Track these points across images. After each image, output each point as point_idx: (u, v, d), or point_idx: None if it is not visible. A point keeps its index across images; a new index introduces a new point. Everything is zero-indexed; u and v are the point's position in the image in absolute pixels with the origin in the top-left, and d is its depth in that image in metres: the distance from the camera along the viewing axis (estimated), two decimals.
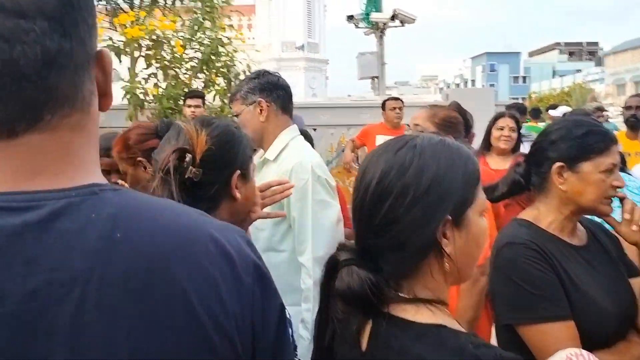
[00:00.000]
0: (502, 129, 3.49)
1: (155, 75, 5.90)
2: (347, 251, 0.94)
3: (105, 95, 0.62)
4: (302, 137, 2.20)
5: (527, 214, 1.56)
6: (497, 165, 3.36)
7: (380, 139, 5.30)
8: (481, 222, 0.94)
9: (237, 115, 2.08)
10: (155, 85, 5.89)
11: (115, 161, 1.96)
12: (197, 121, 1.27)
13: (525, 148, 3.72)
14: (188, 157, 1.16)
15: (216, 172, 1.21)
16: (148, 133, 1.89)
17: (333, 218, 2.00)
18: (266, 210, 1.53)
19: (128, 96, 5.81)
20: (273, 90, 2.06)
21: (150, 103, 5.80)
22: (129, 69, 6.36)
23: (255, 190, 1.37)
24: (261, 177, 2.05)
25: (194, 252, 0.59)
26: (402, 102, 5.72)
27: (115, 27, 6.07)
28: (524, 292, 1.37)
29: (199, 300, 0.56)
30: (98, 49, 0.60)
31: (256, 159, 2.24)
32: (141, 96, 5.75)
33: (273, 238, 2.00)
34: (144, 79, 5.99)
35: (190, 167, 1.15)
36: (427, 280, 0.90)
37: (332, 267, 0.93)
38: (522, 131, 3.72)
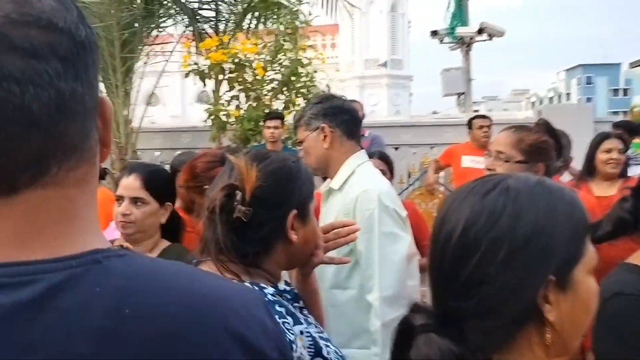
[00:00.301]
0: (609, 152, 3.11)
1: (237, 97, 5.99)
2: (424, 314, 0.79)
3: (106, 146, 0.55)
4: (370, 164, 2.06)
5: (637, 258, 1.32)
6: (602, 192, 3.02)
7: (466, 160, 5.04)
8: (591, 282, 0.79)
9: (301, 142, 1.99)
10: (237, 107, 5.99)
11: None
12: (251, 155, 1.19)
13: (633, 171, 3.34)
14: (237, 194, 1.07)
15: (268, 211, 1.12)
16: (214, 161, 1.85)
17: (403, 252, 1.84)
18: (330, 254, 1.40)
19: (212, 117, 5.95)
20: (337, 115, 1.95)
21: (232, 125, 5.90)
22: (213, 91, 6.53)
23: (316, 232, 1.25)
24: (327, 208, 1.94)
25: (212, 330, 0.50)
26: (490, 120, 5.41)
27: (201, 52, 6.25)
28: (634, 352, 1.16)
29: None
30: (99, 95, 0.55)
31: (322, 188, 2.14)
32: (224, 118, 5.86)
33: (339, 274, 1.87)
34: (226, 101, 6.11)
35: (239, 205, 1.06)
36: (524, 354, 0.76)
37: (405, 333, 0.78)
38: (629, 152, 3.34)
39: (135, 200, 1.83)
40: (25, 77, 0.46)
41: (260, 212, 1.09)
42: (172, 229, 1.93)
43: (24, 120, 0.46)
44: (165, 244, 1.91)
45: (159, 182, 1.90)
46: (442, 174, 5.78)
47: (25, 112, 0.46)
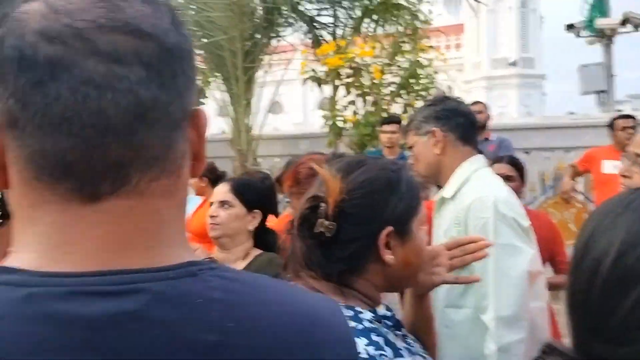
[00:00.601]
0: None
1: (353, 102, 5.90)
2: (559, 357, 0.66)
3: (198, 160, 0.52)
4: (488, 170, 1.85)
5: None
6: None
7: (608, 165, 4.47)
8: None
9: (410, 148, 1.83)
10: (354, 112, 5.89)
11: None
12: (342, 164, 1.05)
13: None
14: (322, 207, 0.96)
15: (356, 227, 0.98)
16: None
17: (523, 267, 1.59)
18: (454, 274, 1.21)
19: (329, 123, 5.91)
20: (451, 118, 1.78)
21: (348, 130, 5.81)
22: (329, 97, 6.50)
23: (420, 252, 1.07)
24: (439, 219, 1.78)
25: (315, 343, 0.50)
26: (636, 120, 4.77)
27: (318, 58, 6.25)
28: None
29: None
30: (195, 107, 0.51)
31: (435, 196, 1.94)
32: (340, 124, 5.79)
33: (453, 292, 1.68)
34: (343, 106, 6.04)
35: (322, 219, 0.95)
36: None
37: None
38: None
39: (222, 204, 1.90)
40: (105, 82, 0.44)
41: (346, 227, 0.97)
42: (266, 238, 1.95)
43: (99, 126, 0.44)
44: (257, 252, 1.93)
45: (247, 188, 1.96)
46: (579, 180, 5.18)
47: (101, 117, 0.44)
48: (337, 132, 5.72)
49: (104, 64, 0.44)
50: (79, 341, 0.41)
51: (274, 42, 7.14)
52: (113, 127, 0.44)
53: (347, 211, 0.97)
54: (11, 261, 0.45)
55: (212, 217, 1.89)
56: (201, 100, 8.33)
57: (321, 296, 0.61)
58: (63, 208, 0.45)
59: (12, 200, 0.48)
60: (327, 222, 0.95)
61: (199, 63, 7.44)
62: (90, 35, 0.44)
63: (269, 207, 2.02)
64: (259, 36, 6.73)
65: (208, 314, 0.45)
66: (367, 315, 0.99)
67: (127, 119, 0.45)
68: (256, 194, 1.98)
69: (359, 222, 0.98)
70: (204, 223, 4.14)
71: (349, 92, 5.95)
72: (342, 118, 5.83)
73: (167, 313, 0.44)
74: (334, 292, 0.98)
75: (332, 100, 6.36)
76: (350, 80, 5.81)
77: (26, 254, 0.45)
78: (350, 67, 5.73)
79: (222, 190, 1.93)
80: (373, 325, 0.99)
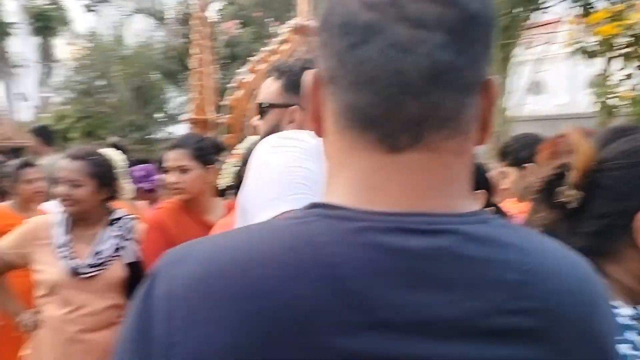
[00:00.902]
0: None
1: (630, 76, 5.09)
2: None
3: (485, 128, 0.55)
4: None
5: None
6: None
7: None
8: None
9: None
10: (632, 88, 5.07)
11: None
12: (606, 131, 0.91)
13: None
14: (569, 174, 0.85)
15: (609, 202, 0.83)
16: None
17: None
18: None
19: (600, 100, 5.22)
20: None
21: (624, 108, 5.04)
22: (601, 73, 5.73)
23: None
24: None
25: (593, 293, 0.55)
26: None
27: (588, 28, 5.55)
28: None
29: (608, 343, 0.55)
30: (489, 76, 0.54)
31: None
32: (613, 102, 5.05)
33: None
34: (618, 81, 5.26)
35: (566, 187, 0.84)
36: None
37: None
38: None
39: None
40: (408, 45, 0.48)
41: (596, 201, 0.84)
42: None
43: (399, 85, 0.49)
44: None
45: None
46: None
47: (401, 77, 0.48)
48: (609, 112, 5.00)
49: (410, 29, 0.48)
50: (405, 268, 0.47)
51: (535, 15, 6.59)
52: (411, 87, 0.49)
53: (599, 183, 0.84)
54: (330, 198, 0.52)
55: None
56: None
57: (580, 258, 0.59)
58: (369, 155, 0.51)
59: (326, 147, 0.55)
60: (570, 191, 0.84)
61: None
62: (402, 3, 0.48)
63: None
64: (518, 10, 6.27)
65: (507, 255, 0.50)
66: (627, 311, 0.83)
67: (424, 81, 0.48)
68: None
69: (613, 196, 0.84)
70: None
71: (625, 65, 5.15)
72: (616, 95, 5.08)
73: (475, 251, 0.49)
74: None
75: (604, 75, 5.60)
76: (628, 50, 5.01)
77: (342, 194, 0.51)
78: (630, 36, 4.93)
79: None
80: (632, 323, 0.83)
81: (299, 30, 2.80)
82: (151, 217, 2.10)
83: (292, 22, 2.72)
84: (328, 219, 0.49)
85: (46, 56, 17.00)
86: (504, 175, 2.18)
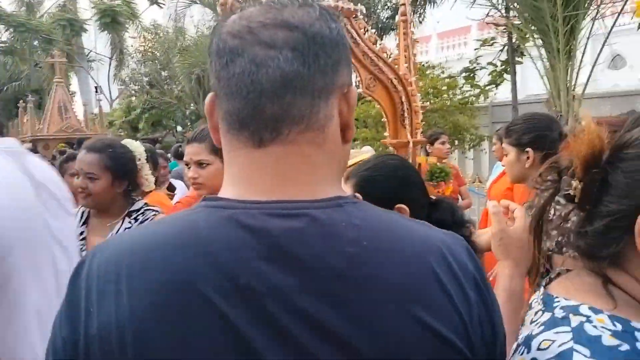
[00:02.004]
0: None
1: None
2: None
3: (348, 128, 0.69)
4: None
5: None
6: None
7: None
8: None
9: None
10: None
11: None
12: (628, 114, 0.74)
13: None
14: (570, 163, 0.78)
15: (614, 198, 0.73)
16: (612, 131, 1.34)
17: None
18: None
19: None
20: None
21: None
22: None
23: None
24: None
25: (429, 263, 0.63)
26: None
27: None
28: None
29: (436, 312, 0.61)
30: (348, 86, 0.68)
31: None
32: None
33: None
34: None
35: (567, 177, 0.78)
36: None
37: None
38: None
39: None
40: (262, 62, 0.62)
41: (603, 196, 0.73)
42: None
43: (257, 92, 0.62)
44: None
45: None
46: None
47: (258, 86, 0.62)
48: None
49: (264, 49, 0.62)
50: (265, 245, 0.59)
51: None
52: (266, 93, 0.62)
53: (607, 175, 0.73)
54: (221, 193, 0.65)
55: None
56: (518, 59, 7.76)
57: (437, 231, 0.69)
58: (245, 152, 0.64)
59: (223, 149, 0.67)
60: (574, 183, 0.76)
61: (514, 18, 6.90)
62: (257, 31, 0.63)
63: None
64: None
65: (348, 233, 0.61)
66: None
67: (276, 87, 0.62)
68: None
69: (620, 192, 0.71)
70: (502, 192, 3.84)
71: None
72: None
73: (321, 231, 0.61)
74: (594, 289, 0.73)
75: None
76: None
77: (229, 187, 0.65)
78: None
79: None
80: None
81: (343, 10, 2.66)
82: (169, 212, 2.05)
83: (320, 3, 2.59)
84: (210, 209, 0.63)
85: (116, 50, 17.71)
86: (505, 152, 2.00)
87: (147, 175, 2.20)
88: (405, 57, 3.15)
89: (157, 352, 0.57)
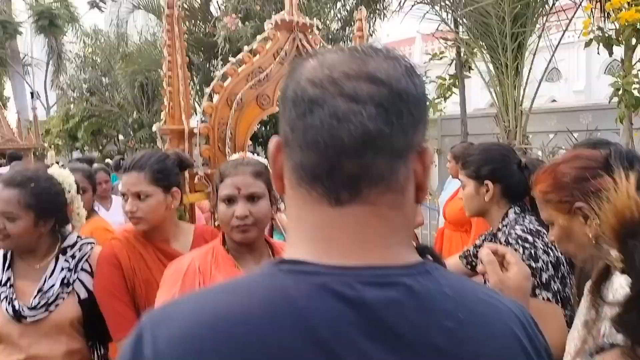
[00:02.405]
0: None
1: None
2: None
3: (422, 189, 0.65)
4: None
5: None
6: None
7: None
8: None
9: None
10: None
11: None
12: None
13: None
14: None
15: None
16: (593, 167, 1.23)
17: None
18: None
19: (620, 93, 4.86)
20: None
21: None
22: (622, 60, 5.35)
23: None
24: None
25: (517, 336, 0.63)
26: None
27: (608, 14, 5.17)
28: None
29: None
30: (423, 145, 0.64)
31: None
32: (636, 93, 4.69)
33: None
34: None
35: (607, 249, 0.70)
36: None
37: None
38: None
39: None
40: (344, 116, 0.59)
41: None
42: None
43: (337, 148, 0.59)
44: None
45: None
46: None
47: (338, 141, 0.59)
48: (631, 104, 4.64)
49: (346, 103, 0.59)
50: (364, 317, 0.56)
51: (549, 1, 6.21)
52: (346, 150, 0.59)
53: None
54: (294, 253, 0.61)
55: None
56: (466, 73, 7.84)
57: (507, 299, 0.68)
58: (319, 209, 0.61)
59: (287, 201, 0.65)
60: (614, 253, 0.68)
61: (462, 33, 6.97)
62: (340, 82, 0.60)
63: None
64: None
65: (445, 305, 0.60)
66: None
67: (357, 145, 0.59)
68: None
69: None
70: (458, 209, 3.77)
71: None
72: (638, 86, 4.72)
73: (419, 302, 0.59)
74: None
75: (627, 64, 5.23)
76: None
77: (303, 248, 0.61)
78: None
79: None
80: None
81: (283, 26, 2.50)
82: (104, 249, 1.81)
83: (275, 18, 2.42)
84: (295, 274, 0.59)
85: (54, 55, 16.89)
86: (463, 184, 1.91)
87: (78, 209, 1.95)
88: None
89: None
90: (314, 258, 0.59)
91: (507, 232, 1.71)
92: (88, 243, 1.87)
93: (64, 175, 1.86)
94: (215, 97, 2.37)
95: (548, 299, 1.55)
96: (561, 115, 7.49)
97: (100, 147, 15.67)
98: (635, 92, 4.68)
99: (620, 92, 4.76)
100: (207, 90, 2.38)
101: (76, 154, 17.41)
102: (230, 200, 1.53)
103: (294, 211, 0.64)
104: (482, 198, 1.83)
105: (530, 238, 1.63)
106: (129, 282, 1.75)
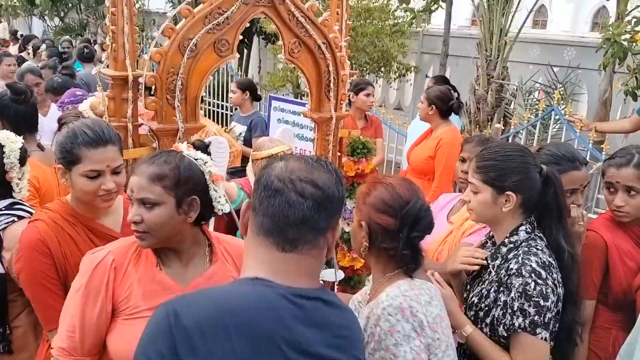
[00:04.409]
0: None
1: None
2: None
3: (329, 250, 1.16)
4: None
5: None
6: None
7: None
8: None
9: None
10: None
11: None
12: None
13: None
14: None
15: None
16: (389, 208, 1.43)
17: None
18: None
19: (608, 37, 4.62)
20: None
21: (637, 54, 4.47)
22: (618, 2, 5.05)
23: None
24: None
25: (360, 329, 1.33)
26: None
27: None
28: None
29: None
30: (335, 226, 1.15)
31: None
32: (626, 43, 4.47)
33: None
34: (635, 19, 4.63)
35: None
36: None
37: None
38: None
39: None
40: (293, 204, 1.06)
41: None
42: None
43: (285, 222, 1.06)
44: None
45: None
46: None
47: (286, 219, 1.06)
48: (619, 56, 4.43)
49: (296, 196, 1.06)
50: (303, 313, 1.05)
51: None
52: (291, 224, 1.06)
53: None
54: (257, 274, 1.08)
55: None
56: None
57: None
58: (271, 251, 1.08)
59: (247, 242, 1.13)
60: None
61: None
62: (295, 182, 1.07)
63: None
64: None
65: (339, 309, 1.15)
66: None
67: (298, 222, 1.06)
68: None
69: None
70: (423, 160, 3.64)
71: None
72: (628, 36, 4.48)
73: (329, 307, 1.11)
74: None
75: (622, 7, 4.94)
76: None
77: (262, 272, 1.08)
78: None
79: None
80: None
81: None
82: (30, 234, 1.61)
83: None
84: (266, 287, 1.06)
85: None
86: (475, 189, 1.73)
87: (19, 181, 1.78)
88: (338, 13, 2.72)
89: None
90: (273, 279, 1.06)
91: (520, 258, 1.60)
92: (9, 215, 1.70)
93: (8, 140, 1.70)
94: (166, 42, 2.09)
95: (545, 339, 1.54)
96: (545, 47, 7.21)
97: (62, 15, 14.60)
98: (625, 43, 4.46)
99: (609, 38, 4.53)
100: (156, 33, 2.08)
101: (35, 20, 16.26)
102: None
103: (253, 248, 1.11)
104: (499, 208, 1.67)
105: (543, 274, 1.55)
106: (60, 269, 1.61)
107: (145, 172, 1.41)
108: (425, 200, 1.50)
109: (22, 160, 1.84)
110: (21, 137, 1.95)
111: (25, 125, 2.51)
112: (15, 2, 14.56)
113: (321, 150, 2.76)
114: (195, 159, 1.49)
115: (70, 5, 14.35)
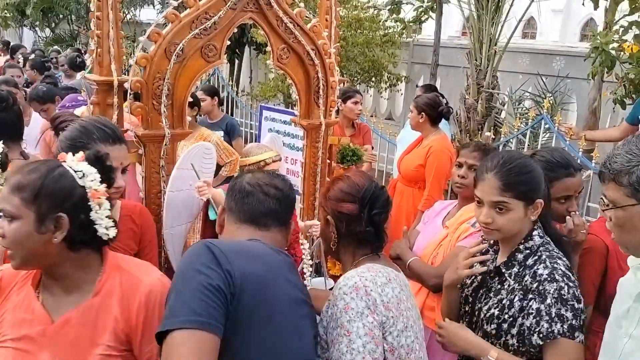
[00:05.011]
0: None
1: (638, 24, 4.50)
2: None
3: (288, 231, 1.56)
4: None
5: None
6: None
7: None
8: None
9: None
10: (637, 37, 4.51)
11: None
12: None
13: None
14: None
15: None
16: (348, 195, 1.56)
17: None
18: None
19: (596, 46, 4.65)
20: None
21: (625, 62, 4.50)
22: (606, 12, 5.10)
23: None
24: None
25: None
26: None
27: None
28: None
29: None
30: (294, 216, 1.72)
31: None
32: (614, 52, 4.49)
33: None
34: (622, 27, 4.67)
35: None
36: None
37: None
38: None
39: None
40: (262, 202, 1.49)
41: None
42: None
43: (260, 212, 1.48)
44: None
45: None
46: None
47: (257, 212, 1.48)
48: (607, 65, 4.46)
49: (264, 196, 1.49)
50: (287, 262, 1.46)
51: None
52: (262, 215, 1.48)
53: None
54: (248, 238, 1.48)
55: None
56: (444, 2, 7.40)
57: None
58: (249, 231, 1.47)
59: (227, 228, 1.51)
60: None
61: None
62: (262, 187, 1.50)
63: None
64: None
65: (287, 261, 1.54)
66: None
67: (267, 214, 1.48)
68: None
69: None
70: (414, 168, 3.61)
71: (634, 10, 4.54)
72: (616, 45, 4.51)
73: (289, 259, 1.53)
74: None
75: (610, 17, 4.98)
76: None
77: (243, 238, 1.47)
78: None
79: None
80: None
81: None
82: None
83: None
84: (264, 244, 1.42)
85: None
86: (504, 208, 1.64)
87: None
88: (327, 20, 2.71)
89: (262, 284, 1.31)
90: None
91: (549, 263, 1.58)
92: None
93: None
94: (152, 47, 2.06)
95: (582, 342, 1.52)
96: (534, 57, 7.25)
97: (53, 25, 14.55)
98: (613, 52, 4.49)
99: (597, 49, 4.56)
100: (142, 38, 2.06)
101: (26, 31, 16.21)
102: None
103: (236, 234, 1.46)
104: (529, 218, 1.66)
105: (572, 277, 1.56)
106: None
107: (10, 180, 1.27)
108: (379, 184, 1.63)
109: (3, 166, 1.80)
110: (1, 142, 1.91)
111: (7, 131, 2.47)
112: (5, 13, 14.50)
113: (310, 157, 2.73)
114: (75, 171, 1.30)
115: (61, 16, 14.31)
